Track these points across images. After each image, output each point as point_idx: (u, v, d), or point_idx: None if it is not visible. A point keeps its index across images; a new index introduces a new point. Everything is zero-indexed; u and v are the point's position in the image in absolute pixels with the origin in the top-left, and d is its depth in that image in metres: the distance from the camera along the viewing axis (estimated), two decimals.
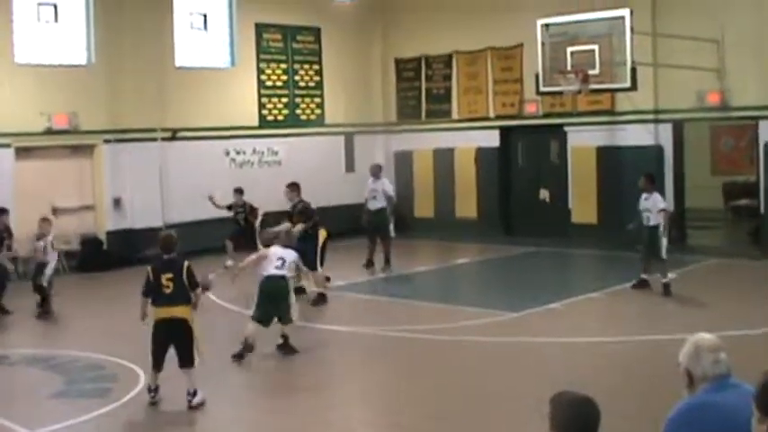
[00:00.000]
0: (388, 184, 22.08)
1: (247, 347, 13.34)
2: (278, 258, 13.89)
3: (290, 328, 13.73)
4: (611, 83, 20.83)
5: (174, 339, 11.17)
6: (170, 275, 11.19)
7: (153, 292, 11.26)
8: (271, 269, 13.75)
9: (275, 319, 13.61)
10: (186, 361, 11.16)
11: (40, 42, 22.99)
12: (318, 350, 14.47)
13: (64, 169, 23.15)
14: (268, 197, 22.36)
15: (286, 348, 13.66)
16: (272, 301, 13.64)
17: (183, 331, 11.17)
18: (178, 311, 11.15)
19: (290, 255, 14.13)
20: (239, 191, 22.83)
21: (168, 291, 11.14)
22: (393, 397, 11.93)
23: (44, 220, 18.13)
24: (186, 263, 11.39)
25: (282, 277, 13.83)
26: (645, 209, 17.56)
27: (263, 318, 13.52)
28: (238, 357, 13.25)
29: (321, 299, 17.37)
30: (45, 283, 17.06)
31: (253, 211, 22.68)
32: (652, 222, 17.41)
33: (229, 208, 22.60)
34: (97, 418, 10.86)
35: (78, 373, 13.11)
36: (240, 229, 22.28)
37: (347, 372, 13.41)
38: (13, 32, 22.45)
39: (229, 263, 19.56)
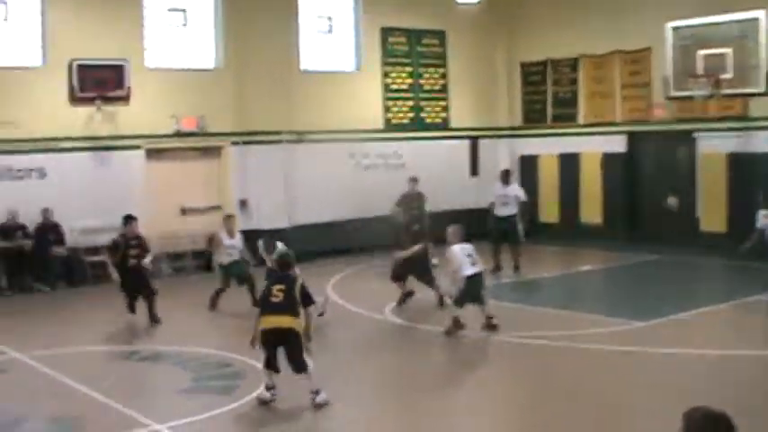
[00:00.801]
0: (519, 189, 21.86)
1: (459, 325, 14.85)
2: (468, 255, 14.86)
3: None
4: (744, 87, 20.40)
5: (282, 346, 11.21)
6: (282, 287, 11.25)
7: (262, 301, 11.40)
8: (469, 269, 14.75)
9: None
10: (297, 367, 11.17)
11: (169, 47, 23.47)
12: (439, 353, 14.49)
13: (192, 171, 23.56)
14: (392, 200, 22.37)
15: (491, 327, 14.92)
16: (475, 295, 14.90)
17: (291, 339, 11.12)
18: (285, 321, 11.10)
19: (471, 247, 15.10)
20: (414, 179, 23.01)
21: (276, 300, 11.16)
22: (513, 405, 11.83)
23: (230, 216, 18.43)
24: (301, 280, 11.49)
25: (481, 274, 15.04)
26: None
27: (462, 303, 14.91)
28: (449, 333, 14.86)
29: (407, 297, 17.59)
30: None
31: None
32: None
33: (406, 199, 22.67)
34: (223, 415, 11.00)
35: (206, 369, 13.31)
36: (414, 217, 22.29)
37: (466, 377, 13.37)
38: (144, 38, 22.96)
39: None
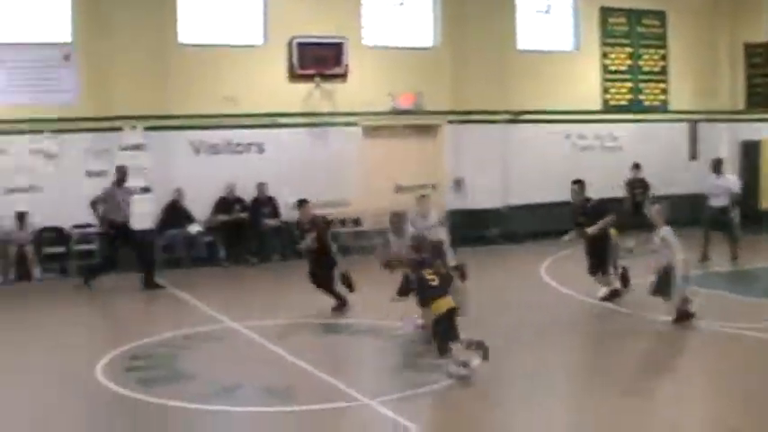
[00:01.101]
0: (733, 181, 21.14)
1: (688, 315, 14.35)
2: (675, 237, 14.41)
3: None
4: None
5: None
6: (431, 270, 11.63)
7: (420, 288, 11.56)
8: (680, 252, 14.30)
9: None
10: (457, 336, 11.42)
11: (387, 25, 23.66)
12: (646, 339, 14.11)
13: (407, 148, 23.74)
14: (610, 183, 22.03)
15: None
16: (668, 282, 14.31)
17: (454, 314, 11.50)
18: (453, 300, 11.54)
19: None
20: (637, 166, 23.01)
21: (436, 283, 11.50)
22: (725, 397, 11.35)
23: (424, 197, 18.13)
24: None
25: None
26: None
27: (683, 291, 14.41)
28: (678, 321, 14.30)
29: (615, 294, 16.58)
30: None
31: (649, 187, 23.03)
32: None
33: (630, 185, 22.63)
34: (431, 393, 11.03)
35: (413, 346, 13.35)
36: (634, 205, 21.84)
37: (674, 367, 12.96)
38: (362, 16, 23.22)
39: (632, 243, 17.59)
